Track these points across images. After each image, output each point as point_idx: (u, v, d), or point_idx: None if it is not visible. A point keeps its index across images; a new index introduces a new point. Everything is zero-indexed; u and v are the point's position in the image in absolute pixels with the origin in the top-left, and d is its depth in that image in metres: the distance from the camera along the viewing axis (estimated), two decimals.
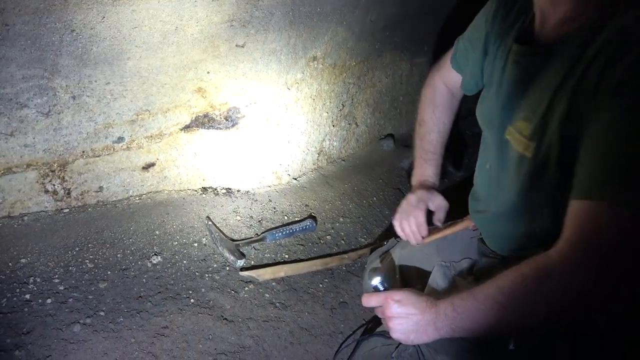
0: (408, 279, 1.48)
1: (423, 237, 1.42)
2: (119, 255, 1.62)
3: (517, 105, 1.02)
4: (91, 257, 1.59)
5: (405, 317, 1.00)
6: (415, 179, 1.44)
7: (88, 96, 1.66)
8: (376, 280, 1.18)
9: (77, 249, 1.61)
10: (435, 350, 1.12)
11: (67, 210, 1.74)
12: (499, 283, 0.88)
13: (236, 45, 1.91)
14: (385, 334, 1.18)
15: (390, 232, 2.17)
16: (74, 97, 1.64)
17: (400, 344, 1.19)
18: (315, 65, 2.28)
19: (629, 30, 0.81)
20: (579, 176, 0.84)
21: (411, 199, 1.39)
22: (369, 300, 1.07)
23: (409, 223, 1.38)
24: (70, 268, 1.55)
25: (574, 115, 0.86)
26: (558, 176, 0.93)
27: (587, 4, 0.88)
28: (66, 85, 1.61)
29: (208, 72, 1.89)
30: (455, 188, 2.70)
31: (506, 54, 1.09)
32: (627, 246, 0.76)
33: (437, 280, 1.34)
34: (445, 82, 1.45)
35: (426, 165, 1.42)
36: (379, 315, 1.09)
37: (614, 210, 0.77)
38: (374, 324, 1.63)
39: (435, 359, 1.12)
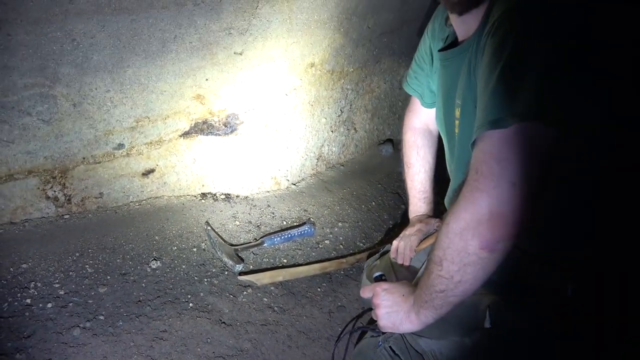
0: (402, 279, 1.55)
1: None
2: (118, 260, 1.64)
3: (451, 100, 1.19)
4: (91, 262, 1.61)
5: (390, 306, 1.12)
6: (412, 216, 1.66)
7: (88, 104, 1.69)
8: (377, 272, 1.35)
9: (78, 254, 1.63)
10: (418, 334, 1.18)
11: (68, 216, 1.77)
12: (431, 256, 1.00)
13: (234, 53, 1.94)
14: (374, 328, 1.25)
15: (387, 237, 2.20)
16: (74, 105, 1.67)
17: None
18: (313, 72, 2.31)
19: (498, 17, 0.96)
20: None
21: (409, 230, 1.59)
22: (365, 291, 1.23)
23: (404, 247, 1.56)
24: (70, 273, 1.57)
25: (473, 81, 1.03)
26: None
27: (478, 19, 1.08)
28: (67, 93, 1.64)
29: (207, 79, 1.92)
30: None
31: (438, 62, 1.30)
32: (508, 159, 0.84)
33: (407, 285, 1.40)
34: (421, 120, 1.64)
35: (420, 204, 1.64)
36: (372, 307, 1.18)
37: (491, 131, 0.86)
38: (364, 320, 1.65)
39: (417, 342, 1.18)
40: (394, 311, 1.12)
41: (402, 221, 2.34)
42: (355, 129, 2.86)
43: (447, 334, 1.17)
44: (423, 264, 1.55)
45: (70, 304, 1.47)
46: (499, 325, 1.09)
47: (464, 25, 1.14)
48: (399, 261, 1.57)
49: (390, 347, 1.24)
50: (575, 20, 0.94)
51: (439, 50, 1.28)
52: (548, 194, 0.91)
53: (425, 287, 1.03)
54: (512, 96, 0.85)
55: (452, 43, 1.25)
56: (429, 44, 1.42)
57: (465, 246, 0.91)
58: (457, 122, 1.17)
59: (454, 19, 1.17)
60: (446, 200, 1.38)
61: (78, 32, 1.55)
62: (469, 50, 1.07)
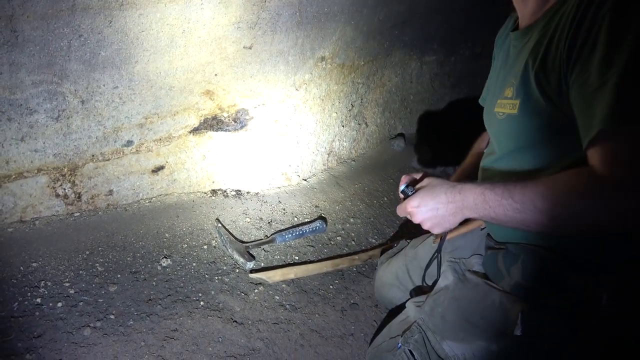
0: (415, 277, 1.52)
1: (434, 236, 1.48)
2: (129, 258, 1.63)
3: (505, 80, 1.13)
4: (101, 260, 1.59)
5: (428, 210, 1.03)
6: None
7: (97, 100, 1.67)
8: (403, 185, 1.16)
9: (88, 252, 1.62)
10: (442, 336, 1.13)
11: (78, 214, 1.76)
12: (539, 189, 0.91)
13: (243, 47, 1.91)
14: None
15: (401, 233, 2.16)
16: (82, 102, 1.65)
17: (405, 331, 1.21)
18: (324, 66, 2.27)
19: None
20: (592, 110, 0.87)
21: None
22: (400, 209, 1.11)
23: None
24: (80, 272, 1.55)
25: (548, 64, 0.96)
26: (549, 120, 0.98)
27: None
28: (75, 90, 1.62)
29: (216, 75, 1.89)
30: None
31: (507, 45, 1.22)
32: None
33: (447, 275, 1.35)
34: None
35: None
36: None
37: (620, 132, 0.82)
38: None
39: (441, 345, 1.13)
40: (434, 216, 1.04)
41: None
42: (366, 123, 2.82)
43: (473, 338, 1.12)
44: (444, 264, 1.47)
45: (81, 303, 1.45)
46: (531, 334, 1.04)
47: (526, 7, 1.11)
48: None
49: (410, 350, 1.20)
50: None
51: (512, 31, 1.22)
52: None
53: (486, 194, 0.96)
54: None
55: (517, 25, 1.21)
56: (499, 46, 1.35)
57: (582, 208, 0.86)
58: (505, 102, 1.10)
59: (516, 2, 1.14)
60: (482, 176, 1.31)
61: (85, 28, 1.53)
62: (536, 31, 1.03)
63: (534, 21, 1.09)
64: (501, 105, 1.13)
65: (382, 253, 1.84)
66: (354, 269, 1.92)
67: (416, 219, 1.07)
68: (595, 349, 1.05)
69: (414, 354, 1.17)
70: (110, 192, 1.82)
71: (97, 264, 1.58)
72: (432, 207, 1.03)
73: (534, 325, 1.06)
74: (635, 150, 0.83)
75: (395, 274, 1.62)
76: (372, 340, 1.54)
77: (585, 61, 0.90)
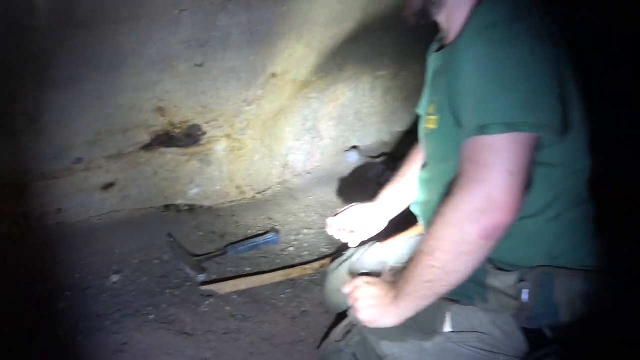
0: None
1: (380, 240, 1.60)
2: (77, 275, 1.64)
3: (431, 97, 1.27)
4: (49, 278, 1.60)
5: (370, 298, 1.15)
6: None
7: (46, 119, 1.68)
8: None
9: (36, 271, 1.63)
10: (379, 337, 1.21)
11: (26, 232, 1.76)
12: (421, 247, 1.04)
13: (195, 65, 1.96)
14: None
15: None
16: (31, 120, 1.67)
17: (346, 334, 1.29)
18: (276, 82, 2.34)
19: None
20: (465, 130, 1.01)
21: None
22: (345, 286, 1.24)
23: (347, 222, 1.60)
24: (29, 290, 1.56)
25: (452, 84, 1.08)
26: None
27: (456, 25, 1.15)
28: (24, 109, 1.64)
29: (167, 92, 1.93)
30: None
31: (433, 64, 1.33)
32: (501, 157, 0.93)
33: (389, 278, 1.44)
34: None
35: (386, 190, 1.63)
36: (350, 303, 1.21)
37: (485, 136, 0.94)
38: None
39: (379, 344, 1.20)
40: (374, 304, 1.14)
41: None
42: (320, 136, 2.90)
43: (407, 337, 1.21)
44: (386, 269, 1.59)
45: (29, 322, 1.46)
46: (460, 330, 1.14)
47: (447, 27, 1.22)
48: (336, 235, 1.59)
49: (352, 353, 1.27)
50: (547, 28, 1.01)
51: (435, 51, 1.35)
52: None
53: (411, 278, 1.07)
54: (508, 106, 0.94)
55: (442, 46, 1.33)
56: (428, 62, 1.47)
57: (463, 235, 0.96)
58: (430, 117, 1.23)
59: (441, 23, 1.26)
60: (420, 185, 1.41)
61: (37, 47, 1.55)
62: (449, 52, 1.14)
63: (450, 44, 1.19)
64: (428, 120, 1.25)
65: (332, 261, 1.92)
66: (306, 277, 1.98)
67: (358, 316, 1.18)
68: (520, 339, 1.15)
69: (356, 354, 1.26)
70: (60, 210, 1.83)
71: (45, 282, 1.59)
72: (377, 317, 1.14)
73: (462, 321, 1.16)
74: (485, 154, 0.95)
75: (343, 280, 1.69)
76: (319, 345, 1.60)
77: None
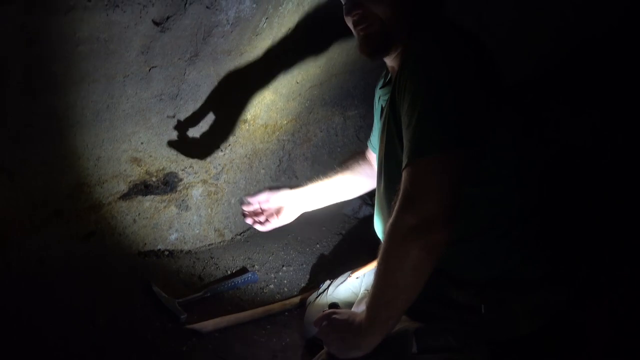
0: None
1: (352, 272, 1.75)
2: (59, 323, 1.68)
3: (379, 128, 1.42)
4: (29, 327, 1.63)
5: (339, 331, 1.21)
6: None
7: (24, 174, 1.76)
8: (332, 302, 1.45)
9: (16, 322, 1.66)
10: None
11: (8, 283, 1.79)
12: (376, 270, 1.14)
13: (167, 116, 2.08)
14: None
15: (329, 275, 2.30)
16: (11, 175, 1.74)
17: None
18: (247, 127, 2.47)
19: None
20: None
21: None
22: (317, 319, 1.33)
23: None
24: (9, 338, 1.59)
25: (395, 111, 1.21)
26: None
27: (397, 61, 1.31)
28: (1, 164, 1.71)
29: (142, 143, 2.03)
30: None
31: (380, 98, 1.51)
32: (432, 178, 1.06)
33: (361, 306, 1.51)
34: (370, 156, 1.85)
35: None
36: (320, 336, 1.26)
37: (418, 159, 1.07)
38: None
39: None
40: (342, 336, 1.20)
41: (345, 261, 2.44)
42: (296, 176, 3.01)
43: (372, 356, 1.27)
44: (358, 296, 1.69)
45: None
46: (426, 350, 1.19)
47: (391, 66, 1.38)
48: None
49: None
50: (472, 62, 1.15)
51: (380, 88, 1.52)
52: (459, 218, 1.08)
53: (372, 302, 1.15)
54: (435, 131, 1.07)
55: (389, 80, 1.47)
56: (376, 98, 1.62)
57: (407, 252, 1.05)
58: (382, 145, 1.35)
59: (387, 62, 1.40)
60: (376, 209, 1.52)
61: (11, 106, 1.65)
62: (395, 86, 1.25)
63: (393, 79, 1.34)
64: (381, 148, 1.38)
65: (311, 294, 1.99)
66: (286, 313, 2.03)
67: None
68: (485, 354, 1.22)
69: None
70: (41, 260, 1.87)
71: (23, 332, 1.62)
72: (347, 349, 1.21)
73: (429, 341, 1.22)
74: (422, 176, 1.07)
75: (320, 312, 1.75)
76: None
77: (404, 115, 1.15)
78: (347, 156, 1.90)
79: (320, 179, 1.84)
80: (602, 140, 2.10)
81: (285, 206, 1.78)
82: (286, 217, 1.78)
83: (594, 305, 1.31)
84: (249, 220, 1.76)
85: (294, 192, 1.79)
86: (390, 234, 1.09)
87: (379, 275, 1.12)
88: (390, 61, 1.39)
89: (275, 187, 1.77)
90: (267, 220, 1.75)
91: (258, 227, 1.76)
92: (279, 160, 2.82)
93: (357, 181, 1.89)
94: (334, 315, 1.28)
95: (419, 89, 1.10)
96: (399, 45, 1.30)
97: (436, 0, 1.35)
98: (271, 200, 1.75)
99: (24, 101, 1.66)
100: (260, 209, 1.75)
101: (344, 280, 1.88)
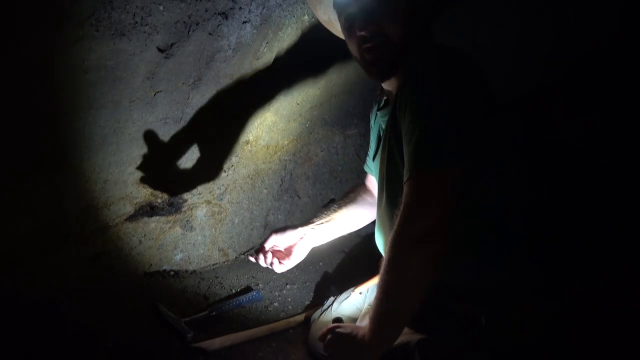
0: None
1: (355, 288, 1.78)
2: (66, 344, 1.70)
3: (384, 147, 1.44)
4: (37, 349, 1.66)
5: (343, 344, 1.27)
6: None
7: (33, 198, 1.81)
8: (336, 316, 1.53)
9: (24, 345, 1.68)
10: None
11: (17, 308, 1.82)
12: (379, 282, 1.18)
13: (172, 139, 2.13)
14: None
15: (331, 291, 2.33)
16: (21, 200, 1.79)
17: None
18: (249, 148, 2.52)
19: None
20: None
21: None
22: (321, 334, 1.39)
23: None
24: None
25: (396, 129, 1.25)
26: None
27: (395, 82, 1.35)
28: (13, 189, 1.76)
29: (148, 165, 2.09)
30: None
31: (379, 120, 1.56)
32: (432, 192, 1.11)
33: (365, 321, 1.54)
34: (370, 182, 1.91)
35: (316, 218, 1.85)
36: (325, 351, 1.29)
37: (419, 174, 1.12)
38: None
39: None
40: (346, 349, 1.25)
41: (348, 277, 2.47)
42: (298, 195, 3.05)
43: None
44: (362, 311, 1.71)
45: None
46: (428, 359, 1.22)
47: (389, 88, 1.43)
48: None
49: None
50: (469, 82, 1.21)
51: (377, 110, 1.58)
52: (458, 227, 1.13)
53: (376, 314, 1.18)
54: (435, 147, 1.13)
55: (386, 102, 1.53)
56: (372, 120, 1.68)
57: (408, 261, 1.10)
58: (383, 163, 1.41)
59: (384, 84, 1.45)
60: (377, 226, 1.56)
61: (23, 134, 1.70)
62: (396, 106, 1.29)
63: (392, 99, 1.39)
64: (381, 166, 1.42)
65: (314, 312, 2.01)
66: (291, 330, 2.05)
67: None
68: None
69: None
70: (49, 284, 1.91)
71: (35, 354, 1.65)
72: None
73: (430, 351, 1.25)
74: (421, 190, 1.11)
75: (325, 327, 1.78)
76: None
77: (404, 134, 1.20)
78: (348, 188, 1.94)
79: (326, 214, 1.86)
80: (603, 140, 2.13)
81: (294, 246, 1.80)
82: (297, 257, 1.81)
83: (592, 310, 1.33)
84: (263, 264, 1.78)
85: (300, 231, 1.81)
86: (393, 244, 1.13)
87: (382, 286, 1.16)
88: (387, 84, 1.44)
89: (280, 229, 1.79)
90: (280, 262, 1.78)
91: (275, 268, 1.79)
92: (281, 180, 2.86)
93: (361, 213, 1.92)
94: (338, 329, 1.31)
95: (419, 108, 1.16)
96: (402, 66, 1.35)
97: (430, 20, 1.41)
98: (279, 243, 1.78)
99: (34, 127, 1.72)
100: (271, 252, 1.78)
101: (348, 297, 1.91)
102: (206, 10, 1.84)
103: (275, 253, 1.76)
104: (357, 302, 1.85)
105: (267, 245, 1.75)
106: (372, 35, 1.28)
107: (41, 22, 1.49)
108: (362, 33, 1.29)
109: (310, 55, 2.48)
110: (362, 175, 2.01)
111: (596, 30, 2.45)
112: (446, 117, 1.13)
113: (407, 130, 1.18)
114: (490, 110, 1.26)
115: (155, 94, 1.95)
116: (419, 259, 1.09)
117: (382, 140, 1.50)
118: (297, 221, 3.04)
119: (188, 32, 1.85)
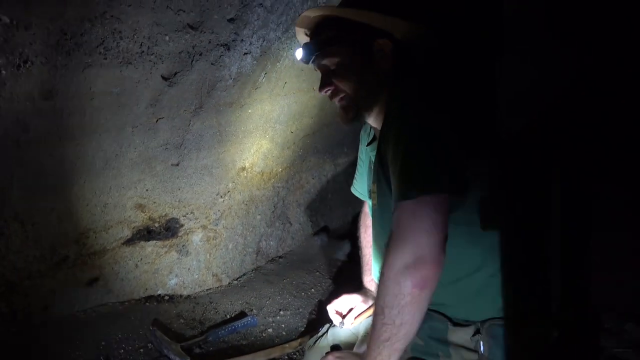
0: None
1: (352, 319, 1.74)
2: None
3: (370, 179, 1.50)
4: None
5: None
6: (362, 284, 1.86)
7: (35, 222, 1.82)
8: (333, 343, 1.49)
9: None
10: None
11: (15, 330, 1.80)
12: (374, 310, 1.18)
13: (171, 164, 2.17)
14: None
15: (326, 319, 2.35)
16: (22, 224, 1.79)
17: None
18: (245, 175, 2.57)
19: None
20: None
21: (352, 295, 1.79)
22: None
23: (341, 308, 1.75)
24: None
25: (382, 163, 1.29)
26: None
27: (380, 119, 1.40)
28: (15, 214, 1.77)
29: (147, 190, 2.11)
30: None
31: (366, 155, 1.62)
32: (418, 219, 1.13)
33: (362, 347, 1.56)
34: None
35: (364, 275, 1.84)
36: None
37: (404, 202, 1.14)
38: None
39: None
40: None
41: None
42: (290, 222, 3.10)
43: None
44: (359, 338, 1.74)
45: None
46: None
47: (375, 125, 1.47)
48: (335, 322, 1.74)
49: None
50: (445, 114, 1.27)
51: (366, 145, 1.63)
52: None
53: (372, 341, 1.19)
54: (416, 176, 1.17)
55: (374, 137, 1.58)
56: (361, 147, 1.75)
57: (400, 289, 1.12)
58: (374, 195, 1.43)
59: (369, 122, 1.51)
60: (372, 254, 1.60)
61: (28, 159, 1.73)
62: (380, 142, 1.36)
63: (378, 135, 1.43)
64: (373, 197, 1.45)
65: (310, 338, 2.02)
66: (286, 356, 2.06)
67: None
68: None
69: None
70: (46, 307, 1.89)
71: None
72: None
73: None
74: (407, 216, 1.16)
75: (320, 355, 1.79)
76: None
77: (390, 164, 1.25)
78: (360, 221, 1.98)
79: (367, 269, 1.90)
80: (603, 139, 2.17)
81: (360, 304, 1.84)
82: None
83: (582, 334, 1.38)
84: (335, 321, 1.79)
85: (362, 293, 1.85)
86: (385, 273, 1.17)
87: (377, 314, 1.19)
88: (372, 121, 1.52)
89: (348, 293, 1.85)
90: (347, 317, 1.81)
91: (343, 325, 1.82)
92: (274, 207, 2.91)
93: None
94: (337, 358, 1.33)
95: (399, 142, 1.22)
96: (374, 109, 1.42)
97: (411, 57, 1.45)
98: (348, 303, 1.82)
99: (40, 152, 1.74)
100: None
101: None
102: (209, 42, 1.92)
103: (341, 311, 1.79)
104: (353, 327, 1.87)
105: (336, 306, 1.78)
106: (332, 93, 1.42)
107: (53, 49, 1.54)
108: (325, 92, 1.43)
109: (304, 86, 2.57)
110: (353, 202, 2.04)
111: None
112: (423, 149, 1.20)
113: (391, 162, 1.25)
114: (472, 137, 1.32)
115: (157, 120, 1.99)
116: (410, 286, 1.12)
117: (373, 173, 1.55)
118: (288, 247, 3.08)
119: (192, 61, 1.92)
